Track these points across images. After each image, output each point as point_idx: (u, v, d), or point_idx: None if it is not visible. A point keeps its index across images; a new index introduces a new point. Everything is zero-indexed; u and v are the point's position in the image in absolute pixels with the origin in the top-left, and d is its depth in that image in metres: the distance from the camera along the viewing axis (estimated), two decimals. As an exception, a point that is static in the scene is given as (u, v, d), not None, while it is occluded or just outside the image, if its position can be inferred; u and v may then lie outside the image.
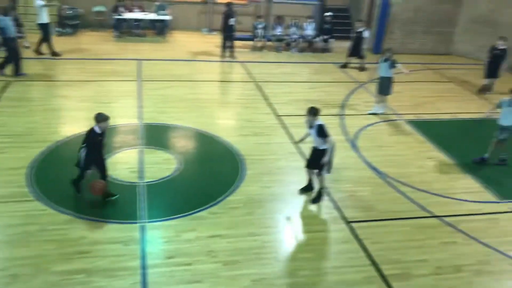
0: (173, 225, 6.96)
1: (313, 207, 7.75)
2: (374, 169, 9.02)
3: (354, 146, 9.87)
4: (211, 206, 7.48)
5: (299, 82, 13.51)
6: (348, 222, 7.38)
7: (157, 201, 7.52)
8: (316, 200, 7.78)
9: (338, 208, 7.70)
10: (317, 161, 7.66)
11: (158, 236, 6.75)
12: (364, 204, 7.92)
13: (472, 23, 16.64)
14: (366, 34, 14.81)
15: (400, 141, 10.29)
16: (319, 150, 7.58)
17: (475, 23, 16.56)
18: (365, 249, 6.80)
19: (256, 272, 6.15)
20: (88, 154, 7.04)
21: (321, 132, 7.40)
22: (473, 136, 10.92)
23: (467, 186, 8.74)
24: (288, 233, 7.17)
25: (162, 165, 8.56)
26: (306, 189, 8.04)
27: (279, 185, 8.26)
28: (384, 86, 11.27)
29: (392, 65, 11.09)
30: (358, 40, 14.69)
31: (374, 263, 6.53)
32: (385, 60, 11.13)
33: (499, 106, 9.25)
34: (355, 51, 14.78)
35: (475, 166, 9.35)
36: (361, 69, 14.78)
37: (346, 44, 17.45)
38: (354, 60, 14.90)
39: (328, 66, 15.14)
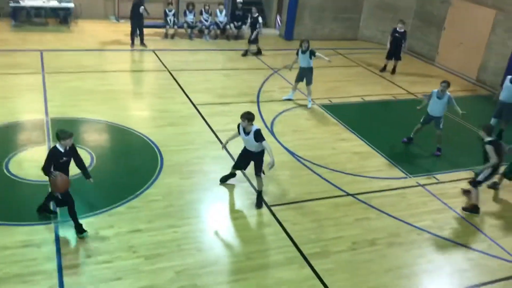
0: (90, 223, 6.67)
1: (234, 194, 7.80)
2: (291, 153, 9.26)
3: (271, 132, 10.04)
4: (129, 200, 7.27)
5: (214, 70, 13.44)
6: (269, 206, 7.53)
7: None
8: (259, 204, 7.50)
9: (256, 191, 7.80)
10: (248, 163, 7.66)
11: (74, 235, 6.44)
12: (283, 187, 8.11)
13: (376, 9, 17.52)
14: (260, 20, 15.02)
15: (314, 125, 10.64)
16: (255, 154, 7.44)
17: (378, 9, 17.45)
18: (285, 231, 6.99)
19: (179, 263, 6.10)
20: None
21: (259, 137, 7.20)
22: (380, 118, 11.55)
23: (377, 164, 9.25)
24: (210, 222, 7.17)
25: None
26: (227, 178, 8.05)
27: (199, 175, 8.21)
28: (308, 77, 11.52)
29: (312, 55, 11.36)
30: (253, 26, 14.83)
31: (294, 244, 6.73)
32: (303, 52, 11.35)
33: (430, 97, 9.54)
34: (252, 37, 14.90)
35: (383, 146, 9.91)
36: (258, 52, 15.03)
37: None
38: (252, 46, 14.99)
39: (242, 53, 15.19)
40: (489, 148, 7.72)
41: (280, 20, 18.00)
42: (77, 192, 7.31)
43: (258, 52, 15.14)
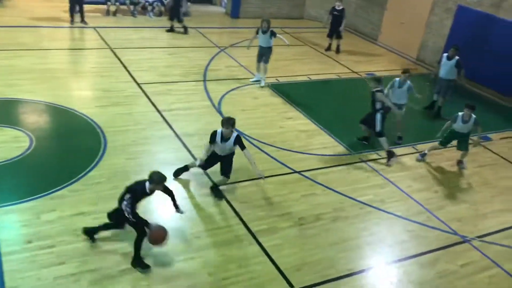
0: (30, 207, 6.42)
1: (182, 175, 7.71)
2: (240, 132, 9.21)
3: (219, 111, 9.98)
4: (71, 183, 7.03)
5: (159, 48, 13.12)
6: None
7: (8, 183, 6.84)
8: (218, 195, 7.30)
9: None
10: (213, 164, 7.31)
11: (13, 221, 6.18)
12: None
13: (321, -12, 17.66)
14: None
15: (262, 104, 10.66)
16: (226, 156, 7.20)
17: (323, -12, 17.60)
18: (234, 210, 7.03)
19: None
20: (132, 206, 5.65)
21: (241, 144, 7.02)
22: (326, 96, 11.74)
23: (323, 141, 9.44)
24: (157, 203, 7.07)
25: (11, 143, 7.76)
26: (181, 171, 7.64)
27: (145, 156, 8.06)
28: (266, 56, 11.43)
29: (272, 35, 11.27)
30: (175, 3, 14.38)
31: (243, 222, 6.79)
32: (264, 32, 11.23)
33: (392, 86, 9.65)
34: (174, 14, 14.43)
35: (328, 124, 10.10)
36: (185, 31, 14.55)
37: (203, 8, 17.38)
38: (176, 24, 14.57)
39: (188, 30, 14.90)
40: (379, 94, 8.69)
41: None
42: (15, 176, 7.02)
43: (185, 31, 14.55)
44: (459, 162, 9.14)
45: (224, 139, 6.98)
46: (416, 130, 10.50)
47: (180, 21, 14.49)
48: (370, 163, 8.87)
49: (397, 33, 15.66)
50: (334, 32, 14.50)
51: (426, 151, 9.21)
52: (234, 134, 7.03)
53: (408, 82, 9.60)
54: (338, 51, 14.70)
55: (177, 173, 7.59)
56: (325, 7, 17.60)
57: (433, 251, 6.83)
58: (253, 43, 11.61)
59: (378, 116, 8.89)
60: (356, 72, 13.40)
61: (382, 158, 9.06)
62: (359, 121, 9.39)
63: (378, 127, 8.93)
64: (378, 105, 8.85)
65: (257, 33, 11.39)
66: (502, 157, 9.79)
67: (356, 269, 6.29)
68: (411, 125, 10.51)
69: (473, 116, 8.60)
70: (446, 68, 10.80)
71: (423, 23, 14.79)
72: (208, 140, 7.04)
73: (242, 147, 7.05)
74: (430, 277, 6.35)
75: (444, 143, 9.05)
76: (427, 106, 11.39)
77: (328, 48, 14.86)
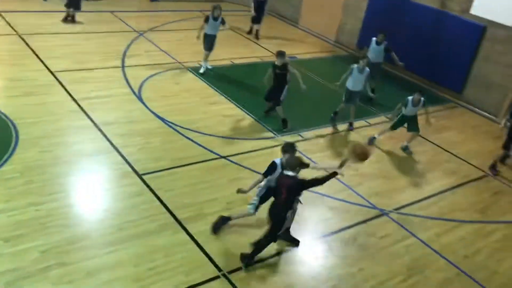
0: None
1: (100, 166, 7.42)
2: (162, 119, 9.05)
3: (139, 98, 9.69)
4: (-20, 180, 6.54)
5: (73, 33, 12.43)
6: (140, 175, 7.33)
7: None
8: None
9: (128, 163, 7.55)
10: None
11: None
12: (155, 155, 7.93)
13: (241, -29, 17.55)
14: None
15: (184, 89, 10.48)
16: None
17: (243, -29, 17.51)
18: (159, 199, 6.89)
19: (44, 242, 5.70)
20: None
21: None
22: (249, 80, 11.76)
23: (248, 126, 9.49)
24: (77, 196, 6.79)
25: None
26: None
27: (61, 148, 7.66)
28: (212, 43, 11.33)
29: (222, 23, 11.19)
30: None
31: (168, 210, 6.68)
32: (215, 19, 11.03)
33: (350, 72, 9.72)
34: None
35: (252, 107, 10.14)
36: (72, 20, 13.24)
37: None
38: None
39: (104, 15, 14.25)
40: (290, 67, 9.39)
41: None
42: None
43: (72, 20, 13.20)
44: (406, 148, 9.52)
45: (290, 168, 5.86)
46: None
47: (77, 8, 13.23)
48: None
49: (317, 16, 15.99)
50: (257, 18, 14.52)
51: (376, 135, 9.53)
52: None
53: (367, 68, 9.78)
54: (257, 37, 14.69)
55: (217, 228, 6.46)
56: (246, -10, 17.57)
57: (355, 225, 7.14)
58: (202, 32, 11.27)
59: (286, 87, 9.45)
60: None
61: (305, 139, 9.26)
62: (264, 98, 9.68)
63: (283, 97, 9.45)
64: (288, 77, 9.38)
65: (206, 21, 11.15)
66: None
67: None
68: (330, 105, 10.82)
69: (422, 99, 9.08)
70: (375, 52, 11.23)
71: (340, 6, 15.20)
72: (263, 172, 6.18)
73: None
74: (353, 250, 6.64)
75: (395, 127, 9.46)
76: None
77: (250, 32, 14.90)
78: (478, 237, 7.38)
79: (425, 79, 13.12)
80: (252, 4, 14.47)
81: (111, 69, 10.70)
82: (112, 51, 11.73)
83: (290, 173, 5.74)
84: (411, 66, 13.22)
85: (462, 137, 10.57)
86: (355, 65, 9.77)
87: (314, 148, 9.05)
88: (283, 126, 9.53)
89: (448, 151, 9.79)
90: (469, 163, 9.51)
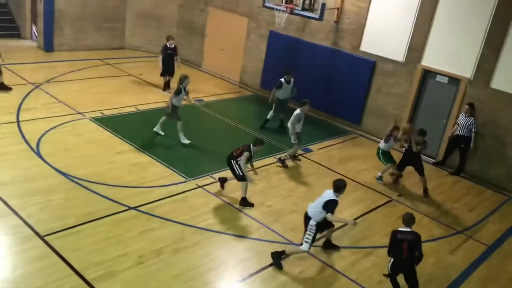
0: None
1: (-4, 231, 6.78)
2: (64, 174, 8.54)
3: (38, 153, 9.09)
4: None
5: (-41, 90, 11.50)
6: (43, 237, 6.78)
7: None
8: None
9: (28, 225, 6.97)
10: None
11: None
12: (58, 213, 7.41)
13: (139, 18, 17.52)
14: None
15: (87, 141, 10.03)
16: None
17: (141, 18, 17.49)
18: (65, 260, 6.39)
19: None
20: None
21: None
22: (155, 125, 11.56)
23: (157, 172, 9.23)
24: None
25: None
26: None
27: None
28: (283, 107, 12.07)
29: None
30: None
31: (76, 272, 6.21)
32: (288, 82, 11.76)
33: (278, 86, 10.87)
34: None
35: (161, 153, 9.94)
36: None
37: (11, 43, 16.05)
38: None
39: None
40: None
41: (36, 31, 16.48)
42: None
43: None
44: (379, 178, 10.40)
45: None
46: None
47: None
48: (206, 187, 8.94)
49: (219, 59, 16.31)
50: (168, 70, 13.78)
51: (380, 174, 10.39)
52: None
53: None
54: (167, 87, 13.94)
55: (278, 264, 7.06)
56: (146, 36, 17.58)
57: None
58: (274, 96, 11.98)
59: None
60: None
61: (216, 181, 9.17)
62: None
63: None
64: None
65: (279, 86, 11.86)
66: (322, 165, 10.76)
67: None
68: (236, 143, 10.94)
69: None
70: (287, 90, 12.03)
71: (241, 48, 15.66)
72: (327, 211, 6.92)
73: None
74: (273, 289, 6.59)
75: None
76: (263, 124, 12.23)
77: (167, 87, 13.94)
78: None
79: (326, 113, 13.79)
80: (160, 57, 13.61)
81: (5, 125, 10.00)
82: (5, 105, 10.99)
83: None
84: (312, 102, 13.86)
85: (365, 165, 11.14)
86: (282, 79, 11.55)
87: (225, 188, 9.00)
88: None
89: (354, 180, 10.23)
90: (374, 190, 10.00)
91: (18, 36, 16.90)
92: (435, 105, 11.96)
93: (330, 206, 6.86)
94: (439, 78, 11.81)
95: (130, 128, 11.06)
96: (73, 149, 9.56)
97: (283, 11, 12.18)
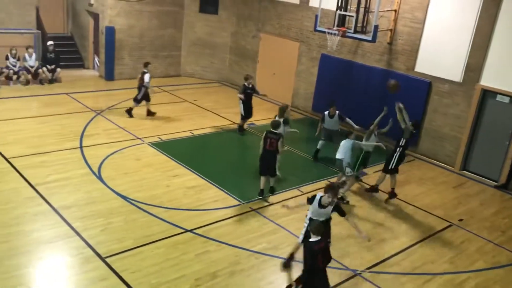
0: None
1: (60, 252, 7.08)
2: (124, 197, 8.85)
3: (99, 177, 9.49)
4: None
5: (28, 118, 12.25)
6: (104, 258, 7.02)
7: None
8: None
9: (90, 246, 7.25)
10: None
11: None
12: (118, 235, 7.67)
13: (194, 46, 18.11)
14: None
15: (145, 165, 10.37)
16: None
17: (196, 45, 18.07)
18: (124, 281, 6.58)
19: None
20: None
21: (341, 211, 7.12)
22: (210, 149, 11.82)
23: (212, 195, 9.37)
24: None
25: None
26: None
27: (18, 237, 7.29)
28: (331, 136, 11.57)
29: (341, 119, 11.56)
30: None
31: (135, 293, 6.37)
32: (331, 117, 11.39)
33: (322, 120, 10.94)
34: None
35: (216, 176, 10.09)
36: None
37: (75, 73, 16.93)
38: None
39: (60, 97, 14.24)
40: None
41: (98, 61, 17.39)
42: None
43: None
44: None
45: (323, 206, 7.03)
46: (300, 172, 10.92)
47: None
48: (260, 211, 8.97)
49: (271, 83, 16.50)
50: (249, 112, 13.05)
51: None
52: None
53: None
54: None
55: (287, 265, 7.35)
56: (200, 63, 18.12)
57: (336, 285, 6.98)
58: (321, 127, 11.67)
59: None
60: (236, 123, 13.66)
61: (271, 204, 9.21)
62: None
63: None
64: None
65: (322, 120, 11.56)
66: (380, 189, 10.52)
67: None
68: (293, 168, 10.94)
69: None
70: (331, 123, 11.43)
71: (293, 72, 15.79)
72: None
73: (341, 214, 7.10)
74: (330, 316, 6.45)
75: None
76: (314, 155, 11.78)
77: (242, 128, 13.24)
78: (451, 288, 7.37)
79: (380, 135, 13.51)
80: (240, 96, 12.87)
81: (69, 151, 10.53)
82: (69, 132, 11.61)
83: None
84: (365, 124, 13.66)
85: (422, 189, 10.81)
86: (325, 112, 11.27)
87: (280, 212, 8.98)
88: (270, 191, 9.63)
89: (411, 204, 9.94)
90: (433, 214, 9.66)
91: (82, 66, 17.90)
92: (496, 126, 11.48)
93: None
94: (499, 97, 11.36)
95: (186, 152, 11.34)
96: (132, 173, 9.91)
97: (335, 34, 12.20)
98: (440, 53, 12.11)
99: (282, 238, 8.16)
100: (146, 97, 13.22)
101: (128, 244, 7.44)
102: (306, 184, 10.23)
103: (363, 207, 9.63)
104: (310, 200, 7.12)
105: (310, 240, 6.20)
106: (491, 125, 11.57)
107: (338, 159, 9.71)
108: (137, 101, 13.15)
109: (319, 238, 6.13)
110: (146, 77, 13.03)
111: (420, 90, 12.54)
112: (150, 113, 13.47)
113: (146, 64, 13.26)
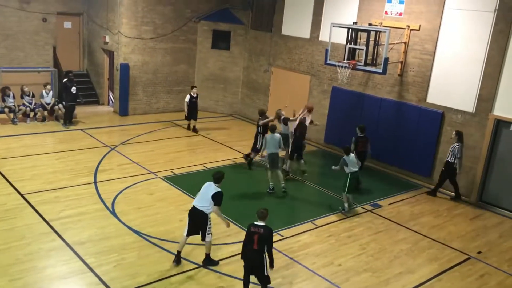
0: None
1: (74, 287, 7.06)
2: (137, 232, 8.84)
3: (113, 212, 9.52)
4: None
5: (44, 154, 12.44)
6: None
7: None
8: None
9: (104, 282, 7.21)
10: None
11: None
12: (131, 271, 7.62)
13: (207, 81, 18.39)
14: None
15: (158, 199, 10.39)
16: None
17: (209, 80, 18.36)
18: (137, 319, 6.50)
19: None
20: None
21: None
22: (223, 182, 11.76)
23: (225, 229, 9.15)
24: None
25: None
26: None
27: (32, 273, 7.29)
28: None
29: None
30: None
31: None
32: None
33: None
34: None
35: (227, 210, 9.99)
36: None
37: (90, 109, 17.22)
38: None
39: (75, 133, 14.47)
40: None
41: (112, 97, 17.72)
42: None
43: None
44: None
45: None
46: (313, 205, 10.83)
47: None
48: (274, 245, 8.84)
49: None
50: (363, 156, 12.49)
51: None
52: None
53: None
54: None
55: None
56: (213, 98, 18.34)
57: (346, 326, 6.82)
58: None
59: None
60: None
61: (284, 238, 9.12)
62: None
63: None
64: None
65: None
66: (392, 221, 10.39)
67: None
68: (307, 202, 10.86)
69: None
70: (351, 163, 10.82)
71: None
72: None
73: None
74: None
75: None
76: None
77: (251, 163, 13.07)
78: (473, 324, 7.14)
79: (394, 167, 13.46)
80: (352, 145, 12.16)
81: (83, 186, 10.62)
82: (83, 167, 11.73)
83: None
84: (379, 156, 13.61)
85: (438, 221, 10.63)
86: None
87: (294, 246, 8.88)
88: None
89: (428, 237, 9.76)
90: (450, 247, 9.46)
91: (97, 102, 18.24)
92: (511, 155, 11.35)
93: (218, 198, 7.68)
94: (514, 127, 11.29)
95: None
96: (146, 207, 9.92)
97: (345, 67, 12.32)
98: (452, 84, 12.13)
99: (296, 273, 8.03)
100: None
101: (141, 280, 7.39)
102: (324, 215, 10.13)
103: (378, 240, 9.47)
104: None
105: None
106: (506, 155, 11.44)
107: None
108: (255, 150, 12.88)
109: None
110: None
111: (434, 121, 12.51)
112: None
113: (262, 113, 13.35)
